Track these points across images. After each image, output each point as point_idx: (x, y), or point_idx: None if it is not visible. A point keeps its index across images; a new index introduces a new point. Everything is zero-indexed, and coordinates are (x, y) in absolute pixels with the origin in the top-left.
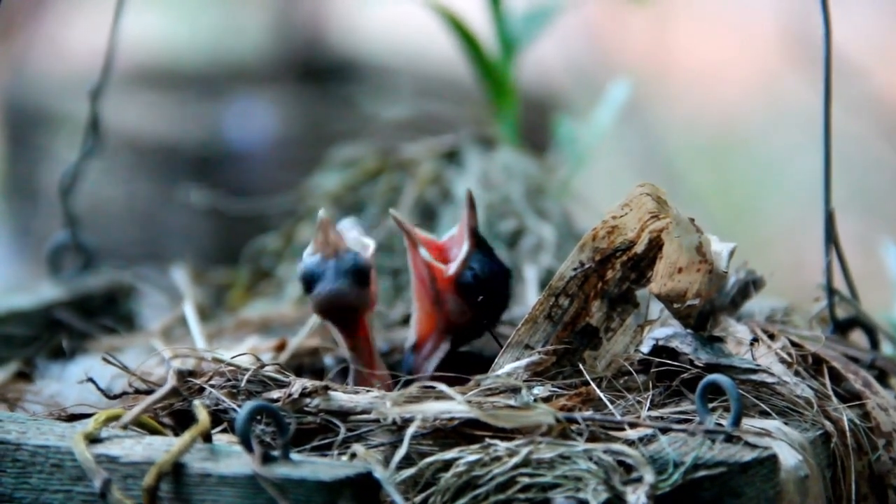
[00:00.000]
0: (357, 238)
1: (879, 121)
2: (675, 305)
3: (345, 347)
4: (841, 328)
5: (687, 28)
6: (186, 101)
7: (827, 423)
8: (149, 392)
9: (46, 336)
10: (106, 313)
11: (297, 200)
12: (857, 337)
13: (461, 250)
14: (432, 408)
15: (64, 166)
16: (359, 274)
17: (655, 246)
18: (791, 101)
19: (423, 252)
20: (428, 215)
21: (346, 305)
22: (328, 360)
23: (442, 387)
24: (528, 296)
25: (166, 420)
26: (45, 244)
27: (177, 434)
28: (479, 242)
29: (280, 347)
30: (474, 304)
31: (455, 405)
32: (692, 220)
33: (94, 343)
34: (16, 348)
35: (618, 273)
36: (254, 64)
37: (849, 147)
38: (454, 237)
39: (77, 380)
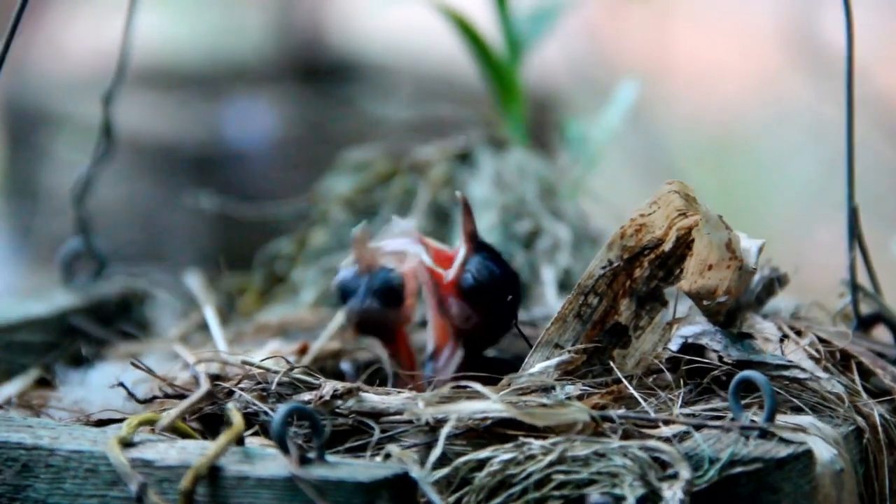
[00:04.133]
0: (402, 246)
1: (879, 121)
2: (706, 303)
3: (384, 354)
4: (864, 324)
5: (687, 28)
6: (186, 101)
7: (858, 418)
8: (178, 396)
9: (65, 343)
10: (121, 320)
11: (308, 204)
12: (880, 333)
13: (458, 255)
14: (467, 407)
15: (64, 166)
16: (389, 293)
17: (683, 243)
18: (791, 101)
19: (425, 257)
20: (442, 218)
21: (375, 323)
22: (345, 365)
23: (476, 386)
24: (548, 296)
25: (195, 425)
26: (55, 246)
27: (206, 438)
28: (479, 246)
29: (302, 351)
30: (478, 309)
31: (490, 404)
32: (721, 217)
33: (112, 349)
34: (32, 355)
35: (646, 271)
36: (254, 64)
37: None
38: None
39: (100, 385)
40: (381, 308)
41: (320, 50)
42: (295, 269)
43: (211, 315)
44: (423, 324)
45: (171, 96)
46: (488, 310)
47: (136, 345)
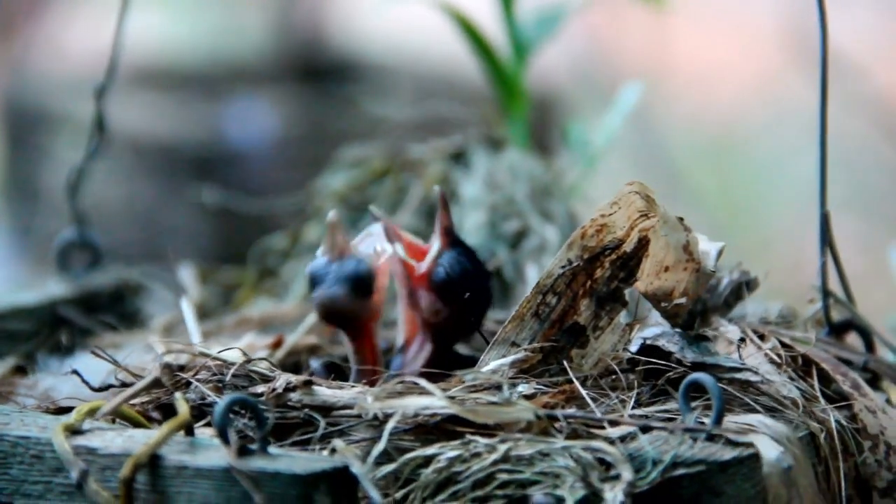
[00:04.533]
0: (375, 244)
1: (879, 121)
2: (663, 304)
3: (350, 349)
4: (836, 330)
5: (687, 28)
6: (186, 101)
7: (813, 423)
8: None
9: (48, 331)
10: (112, 311)
11: (305, 200)
12: (853, 340)
13: (432, 249)
14: (413, 403)
15: (64, 166)
16: (357, 282)
17: (644, 245)
18: (791, 101)
19: (399, 248)
20: (433, 216)
21: (341, 312)
22: (313, 362)
23: (422, 382)
24: None
25: (155, 415)
26: (53, 242)
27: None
28: (454, 241)
29: (276, 345)
30: (448, 303)
31: (435, 401)
32: (681, 218)
33: (97, 340)
34: (18, 344)
35: (606, 272)
36: (254, 64)
37: (849, 147)
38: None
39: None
40: (347, 296)
41: (320, 50)
42: (286, 264)
43: (187, 307)
44: (395, 323)
45: (171, 96)
46: (458, 305)
47: (120, 336)
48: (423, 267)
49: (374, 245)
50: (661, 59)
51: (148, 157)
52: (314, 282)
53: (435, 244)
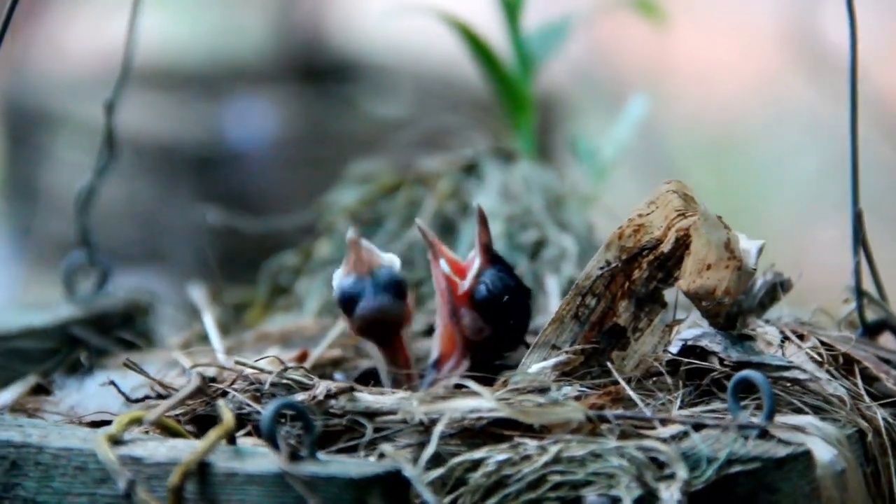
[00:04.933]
0: (382, 254)
1: (879, 121)
2: (704, 303)
3: (382, 362)
4: (871, 331)
5: (687, 28)
6: (186, 101)
7: (861, 421)
8: (169, 396)
9: (65, 351)
10: (123, 331)
11: (315, 216)
12: (886, 340)
13: (473, 266)
14: (460, 405)
15: (64, 166)
16: (398, 286)
17: (682, 245)
18: (791, 101)
19: (443, 264)
20: (447, 229)
21: (392, 320)
22: (339, 376)
23: (470, 383)
24: (551, 306)
25: (189, 427)
26: (61, 264)
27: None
28: (494, 259)
29: (301, 358)
30: (490, 321)
31: (483, 402)
32: (720, 217)
33: (112, 359)
34: (31, 364)
35: (644, 272)
36: (254, 64)
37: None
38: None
39: (96, 392)
40: (393, 302)
41: (320, 50)
42: (299, 280)
43: (209, 321)
44: (427, 332)
45: (171, 96)
46: (500, 323)
47: (136, 354)
48: (465, 285)
49: (383, 254)
50: (661, 59)
51: (148, 157)
52: (352, 300)
53: (475, 261)
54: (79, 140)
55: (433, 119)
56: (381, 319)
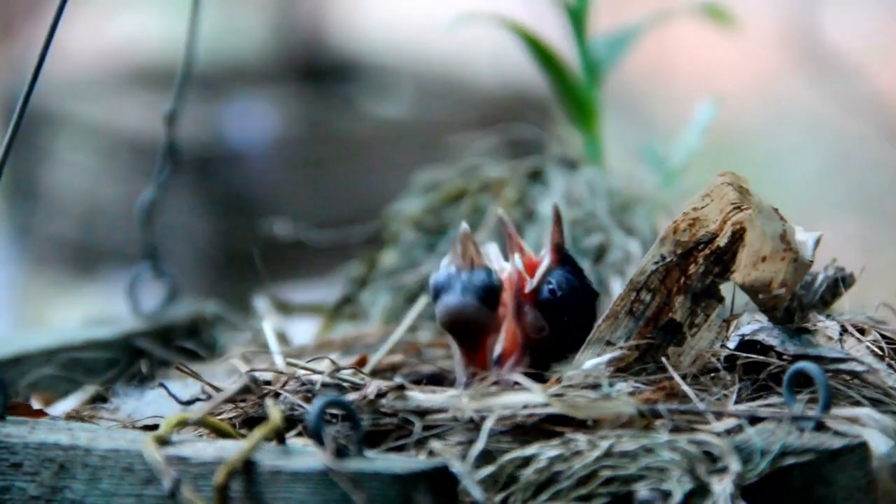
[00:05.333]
0: (496, 260)
1: (879, 121)
2: (761, 296)
3: (460, 363)
4: None
5: (687, 28)
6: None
7: None
8: None
9: (127, 362)
10: (187, 342)
11: (380, 226)
12: None
13: (542, 264)
14: (510, 400)
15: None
16: (488, 292)
17: (738, 238)
18: (791, 101)
19: (517, 259)
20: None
21: (467, 321)
22: (397, 379)
23: (520, 378)
24: None
25: (243, 431)
26: (127, 279)
27: None
28: (564, 259)
29: (360, 363)
30: (551, 321)
31: (534, 397)
32: (776, 209)
33: (175, 370)
34: (95, 375)
35: (700, 267)
36: (254, 64)
37: (849, 147)
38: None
39: (155, 400)
40: (475, 305)
41: (320, 50)
42: (364, 290)
43: (268, 327)
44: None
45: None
46: (562, 323)
47: (198, 364)
48: (532, 283)
49: (499, 261)
50: (661, 59)
51: (147, 157)
52: (439, 290)
53: (545, 260)
54: (79, 140)
55: (500, 127)
56: (459, 319)
